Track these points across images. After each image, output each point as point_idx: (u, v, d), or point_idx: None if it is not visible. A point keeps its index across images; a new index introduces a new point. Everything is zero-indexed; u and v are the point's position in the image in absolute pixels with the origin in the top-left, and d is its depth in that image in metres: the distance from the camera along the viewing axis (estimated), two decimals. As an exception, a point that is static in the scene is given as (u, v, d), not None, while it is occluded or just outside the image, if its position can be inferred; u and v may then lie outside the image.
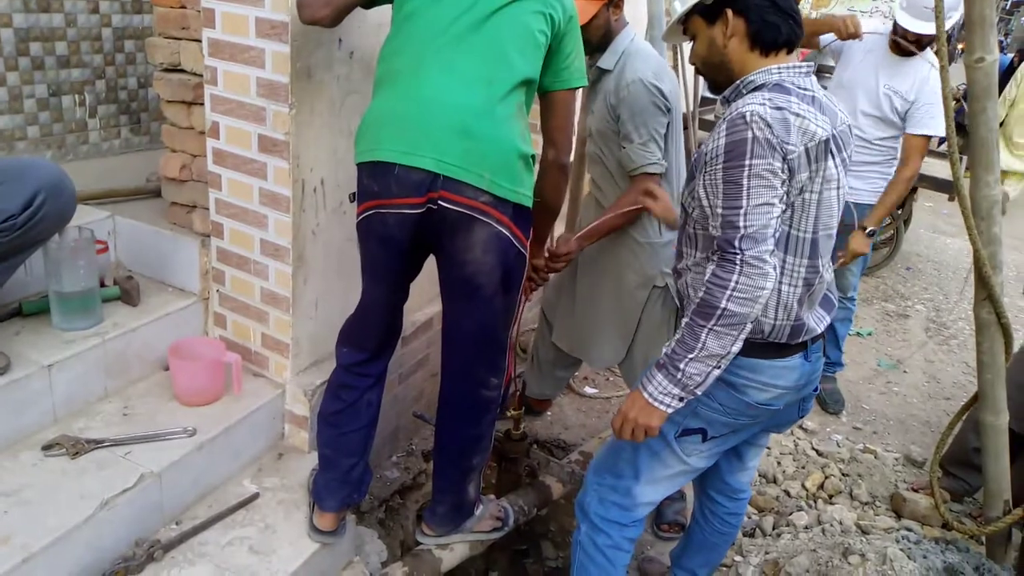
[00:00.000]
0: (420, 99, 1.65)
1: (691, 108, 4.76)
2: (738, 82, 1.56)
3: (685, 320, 1.49)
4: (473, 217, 1.65)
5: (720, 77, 1.61)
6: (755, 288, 1.40)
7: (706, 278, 1.45)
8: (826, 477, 2.87)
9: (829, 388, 3.53)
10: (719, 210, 1.45)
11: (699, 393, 1.50)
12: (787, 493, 2.80)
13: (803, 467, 2.97)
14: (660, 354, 1.54)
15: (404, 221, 1.68)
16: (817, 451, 3.10)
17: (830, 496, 2.80)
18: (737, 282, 1.40)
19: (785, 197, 1.44)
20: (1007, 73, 8.99)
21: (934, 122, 2.98)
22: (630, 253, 2.38)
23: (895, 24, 3.03)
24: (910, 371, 4.06)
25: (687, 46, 1.71)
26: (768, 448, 3.07)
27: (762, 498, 2.74)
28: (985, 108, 1.91)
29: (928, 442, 3.27)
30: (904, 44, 3.00)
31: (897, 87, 3.05)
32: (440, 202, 1.64)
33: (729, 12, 1.52)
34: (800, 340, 1.59)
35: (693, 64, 1.67)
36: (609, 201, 2.35)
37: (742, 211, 1.41)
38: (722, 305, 1.41)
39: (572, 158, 2.36)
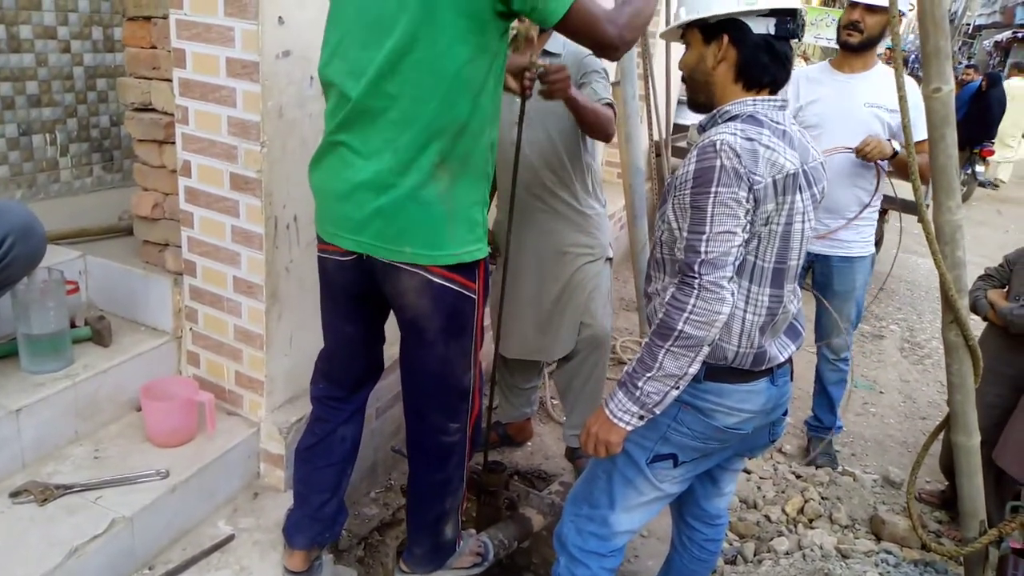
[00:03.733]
0: (333, 177, 1.65)
1: (663, 136, 4.84)
2: (715, 111, 1.60)
3: (645, 340, 1.52)
4: (399, 267, 1.64)
5: (700, 96, 1.64)
6: (711, 312, 1.44)
7: (665, 300, 1.50)
8: (806, 501, 2.88)
9: (823, 449, 3.21)
10: (684, 234, 1.49)
11: (657, 412, 1.54)
12: (767, 518, 2.80)
13: (783, 491, 2.98)
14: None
15: (341, 267, 1.73)
16: (796, 475, 3.11)
17: (810, 520, 2.80)
18: (695, 306, 1.44)
19: (748, 226, 1.47)
20: (977, 96, 9.26)
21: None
22: (575, 228, 2.52)
23: (839, 19, 2.83)
24: (886, 392, 4.10)
25: (670, 76, 1.73)
26: (748, 473, 3.08)
27: (742, 524, 2.74)
28: (944, 136, 1.96)
29: (906, 463, 3.29)
30: (847, 36, 2.76)
31: (878, 100, 2.77)
32: (367, 254, 1.67)
33: (726, 38, 1.54)
34: (763, 368, 1.61)
35: (681, 70, 1.68)
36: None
37: (704, 237, 1.45)
38: (679, 327, 1.45)
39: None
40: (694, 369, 1.49)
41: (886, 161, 2.79)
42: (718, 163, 1.44)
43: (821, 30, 8.25)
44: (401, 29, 1.49)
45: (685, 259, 1.48)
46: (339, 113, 1.61)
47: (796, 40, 1.59)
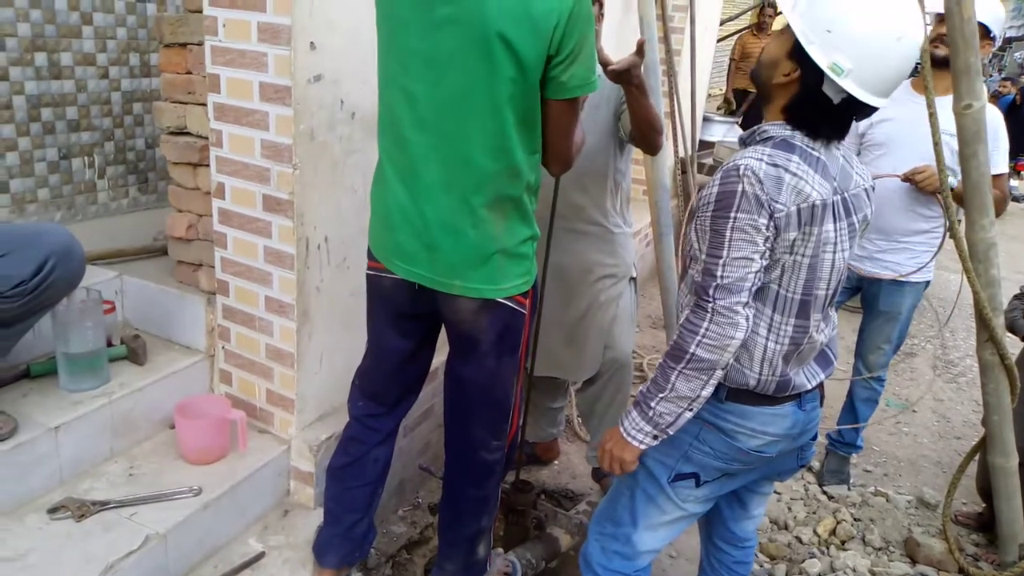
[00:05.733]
0: (389, 209, 1.68)
1: (689, 152, 4.84)
2: (755, 128, 1.57)
3: (660, 361, 1.53)
4: (453, 294, 1.69)
5: (759, 89, 1.59)
6: (724, 336, 1.44)
7: (681, 322, 1.51)
8: (838, 522, 2.83)
9: (834, 466, 3.15)
10: (703, 256, 1.49)
11: (671, 432, 1.54)
12: (799, 539, 2.76)
13: (814, 512, 2.93)
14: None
15: (399, 286, 1.75)
16: (828, 495, 3.06)
17: (842, 542, 2.76)
18: (707, 329, 1.44)
19: (767, 253, 1.45)
20: (1012, 109, 9.12)
21: (1000, 157, 2.59)
22: (600, 247, 2.48)
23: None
24: (919, 411, 4.03)
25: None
26: (778, 493, 3.04)
27: (773, 545, 2.70)
28: (976, 152, 1.95)
29: (940, 483, 3.23)
30: (934, 49, 2.51)
31: (950, 128, 2.46)
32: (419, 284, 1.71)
33: (797, 71, 1.45)
34: (787, 394, 1.59)
35: (760, 52, 1.62)
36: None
37: (721, 261, 1.44)
38: (691, 350, 1.46)
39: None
40: (707, 392, 1.49)
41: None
42: (739, 188, 1.42)
43: None
44: (455, 74, 1.51)
45: (701, 282, 1.48)
46: (391, 142, 1.65)
47: (858, 121, 1.52)
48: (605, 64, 1.92)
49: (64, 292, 1.90)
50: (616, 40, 4.31)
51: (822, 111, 1.47)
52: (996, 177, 2.56)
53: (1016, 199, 9.54)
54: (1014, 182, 9.35)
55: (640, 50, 1.91)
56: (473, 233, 1.61)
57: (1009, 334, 2.46)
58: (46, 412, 1.95)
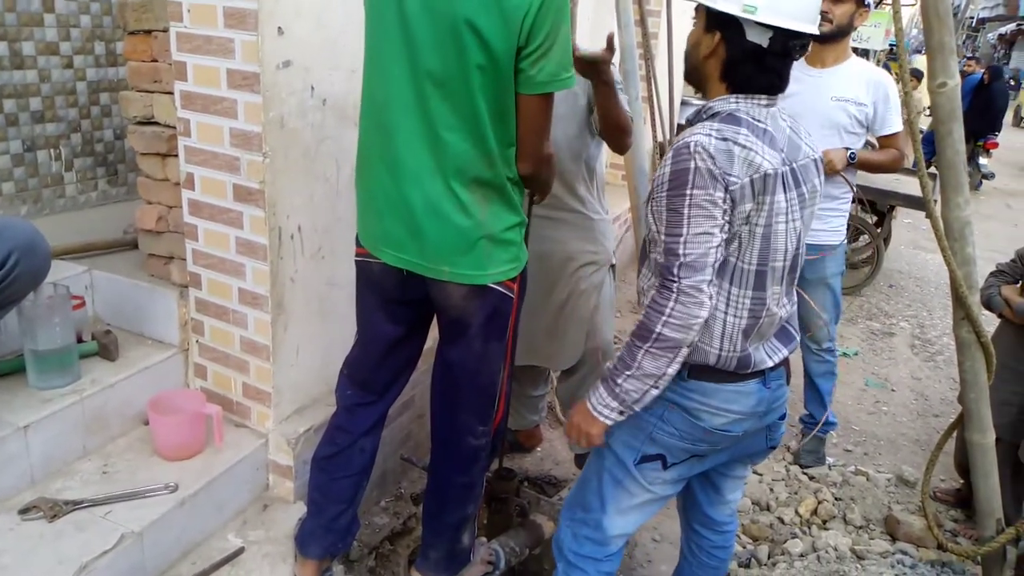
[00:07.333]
0: (374, 195, 1.69)
1: (668, 136, 4.82)
2: (700, 108, 1.59)
3: (627, 340, 1.54)
4: (442, 280, 1.69)
5: (693, 78, 1.64)
6: (689, 316, 1.45)
7: (646, 302, 1.52)
8: (819, 502, 2.85)
9: (811, 447, 3.17)
10: (663, 237, 1.49)
11: (636, 409, 1.56)
12: (781, 520, 2.78)
13: (795, 492, 2.95)
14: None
15: (387, 272, 1.74)
16: (809, 475, 3.08)
17: (824, 521, 2.78)
18: (673, 309, 1.45)
19: (726, 227, 1.46)
20: (980, 89, 9.29)
21: (894, 117, 2.83)
22: (580, 235, 2.47)
23: None
24: (897, 389, 4.07)
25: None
26: (760, 474, 3.05)
27: (755, 526, 2.72)
28: (951, 131, 1.95)
29: (919, 461, 3.26)
30: (822, 28, 2.62)
31: (846, 94, 2.79)
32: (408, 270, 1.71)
33: (719, 35, 1.50)
34: (749, 371, 1.59)
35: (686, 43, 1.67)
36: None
37: (682, 239, 1.45)
38: (657, 330, 1.47)
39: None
40: (673, 370, 1.50)
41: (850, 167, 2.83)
42: (692, 165, 1.43)
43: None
44: (432, 60, 1.53)
45: (664, 262, 1.48)
46: (375, 128, 1.65)
47: (796, 60, 1.54)
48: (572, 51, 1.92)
49: (28, 288, 1.85)
50: (592, 25, 4.27)
51: (757, 62, 1.50)
52: (892, 136, 2.86)
53: (986, 176, 9.68)
54: (983, 160, 9.48)
55: (610, 45, 1.92)
56: (457, 218, 1.61)
57: (985, 311, 2.48)
58: (14, 411, 1.91)
